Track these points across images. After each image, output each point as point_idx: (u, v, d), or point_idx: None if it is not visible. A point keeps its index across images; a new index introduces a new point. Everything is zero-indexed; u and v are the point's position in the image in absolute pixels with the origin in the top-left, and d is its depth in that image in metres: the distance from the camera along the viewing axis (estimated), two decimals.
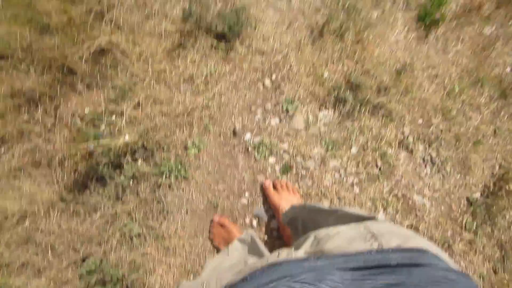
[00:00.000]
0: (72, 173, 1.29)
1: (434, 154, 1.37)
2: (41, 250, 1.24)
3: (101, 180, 1.26)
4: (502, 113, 1.43)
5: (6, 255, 1.23)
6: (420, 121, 1.38)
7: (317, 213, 0.81)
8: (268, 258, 0.46)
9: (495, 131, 1.43)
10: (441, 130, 1.38)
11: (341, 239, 0.47)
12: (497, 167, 1.38)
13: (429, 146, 1.37)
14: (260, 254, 0.95)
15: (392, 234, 0.43)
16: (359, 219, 0.56)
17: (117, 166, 1.24)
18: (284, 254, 0.46)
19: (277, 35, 1.39)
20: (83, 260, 1.24)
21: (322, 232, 0.52)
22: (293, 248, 0.47)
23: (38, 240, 1.23)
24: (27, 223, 1.25)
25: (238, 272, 0.49)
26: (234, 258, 0.87)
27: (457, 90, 1.42)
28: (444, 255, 0.41)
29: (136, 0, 1.37)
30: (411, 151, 1.35)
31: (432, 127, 1.37)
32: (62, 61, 1.27)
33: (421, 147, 1.36)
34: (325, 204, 1.25)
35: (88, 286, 1.21)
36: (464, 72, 1.44)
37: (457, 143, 1.38)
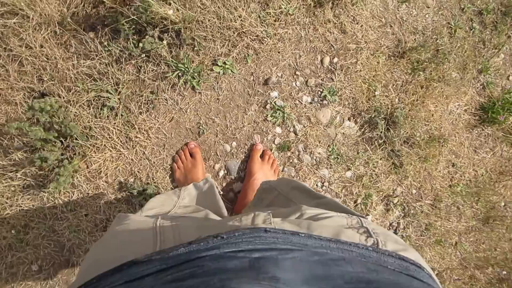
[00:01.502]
0: (91, 7, 1.19)
1: (401, 226, 1.50)
2: (7, 56, 1.15)
3: (114, 33, 1.18)
4: (472, 233, 1.60)
5: None
6: (414, 191, 1.49)
7: (301, 192, 0.80)
8: (242, 218, 0.43)
9: (456, 243, 1.60)
10: (422, 212, 1.51)
11: (331, 223, 0.46)
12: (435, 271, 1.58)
13: (404, 216, 1.50)
14: (215, 208, 0.98)
15: (388, 237, 0.42)
16: (347, 212, 0.53)
17: (140, 32, 1.17)
18: (260, 219, 0.43)
19: (367, 25, 1.37)
20: (42, 94, 1.18)
21: (309, 210, 0.50)
22: (271, 215, 0.44)
23: (11, 45, 1.14)
24: (14, 20, 1.14)
25: (200, 226, 0.47)
26: (185, 203, 0.86)
27: (458, 189, 1.55)
28: (435, 277, 0.40)
29: None
30: (388, 210, 1.47)
31: (418, 204, 1.50)
32: None
33: (397, 213, 1.49)
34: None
35: (29, 119, 1.17)
36: (475, 180, 1.57)
37: (425, 231, 1.52)
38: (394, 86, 1.41)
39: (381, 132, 1.37)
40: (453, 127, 1.50)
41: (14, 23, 1.15)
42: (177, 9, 1.13)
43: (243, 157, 1.28)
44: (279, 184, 0.91)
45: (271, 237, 0.35)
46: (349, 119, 1.37)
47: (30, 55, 1.16)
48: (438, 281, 0.39)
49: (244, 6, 1.22)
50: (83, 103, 1.16)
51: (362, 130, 1.38)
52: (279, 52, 1.29)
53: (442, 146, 1.46)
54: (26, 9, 1.14)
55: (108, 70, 1.17)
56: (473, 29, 1.53)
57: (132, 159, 1.20)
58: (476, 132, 1.56)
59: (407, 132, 1.40)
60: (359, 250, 0.35)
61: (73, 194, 1.19)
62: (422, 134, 1.42)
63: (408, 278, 0.34)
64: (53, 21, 1.18)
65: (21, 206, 1.18)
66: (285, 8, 1.25)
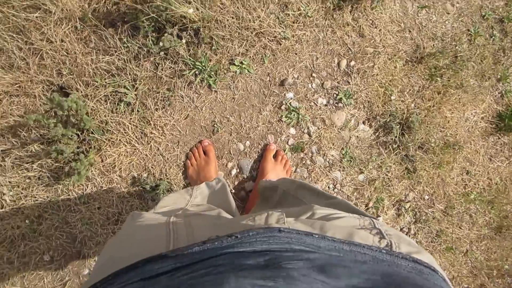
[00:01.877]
0: (111, 4, 1.20)
1: (412, 232, 1.49)
2: (28, 49, 1.17)
3: (133, 30, 1.20)
4: (484, 242, 1.58)
5: None
6: (426, 197, 1.48)
7: (307, 191, 0.79)
8: (255, 218, 0.43)
9: (467, 251, 1.58)
10: (434, 218, 1.50)
11: (344, 224, 0.45)
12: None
13: (415, 222, 1.49)
14: (226, 207, 0.98)
15: (401, 239, 0.41)
16: (358, 213, 0.52)
17: (159, 29, 1.18)
18: (274, 218, 0.42)
19: (385, 30, 1.36)
20: (61, 88, 1.20)
21: (320, 210, 0.50)
22: (284, 215, 0.43)
23: (32, 38, 1.16)
24: (36, 14, 1.16)
25: (213, 225, 0.47)
26: (198, 202, 0.86)
27: (472, 197, 1.53)
28: (449, 281, 0.39)
29: None
30: (399, 215, 1.46)
31: (430, 210, 1.48)
32: None
33: (408, 218, 1.48)
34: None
35: (48, 112, 1.18)
36: (489, 188, 1.56)
37: (436, 237, 1.51)
38: (411, 91, 1.40)
39: (396, 137, 1.36)
40: (469, 135, 1.49)
41: (37, 17, 1.17)
42: (197, 8, 1.13)
43: (256, 157, 1.29)
44: (282, 183, 0.91)
45: (285, 237, 0.35)
46: (363, 122, 1.36)
47: (50, 49, 1.18)
48: (451, 286, 0.39)
49: (263, 7, 1.22)
50: (100, 98, 1.18)
51: (377, 134, 1.37)
52: (296, 54, 1.28)
53: (457, 153, 1.44)
54: (49, 4, 1.16)
55: (126, 66, 1.18)
56: (493, 37, 1.51)
57: (146, 155, 1.21)
58: (492, 140, 1.54)
59: (422, 138, 1.38)
60: (373, 252, 0.35)
61: (87, 187, 1.21)
62: (437, 140, 1.41)
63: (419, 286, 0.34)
64: (74, 16, 1.19)
65: (35, 197, 1.20)
66: (304, 10, 1.25)
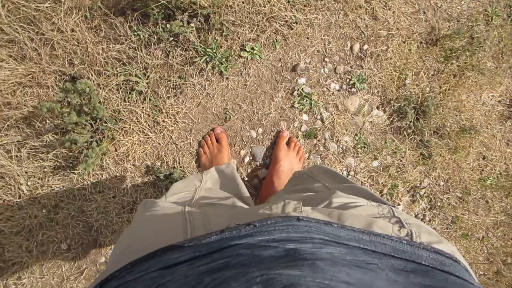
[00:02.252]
0: None
1: (427, 219, 1.47)
2: (40, 40, 1.17)
3: (143, 18, 1.19)
4: (500, 228, 1.56)
5: (1, 11, 1.15)
6: (442, 183, 1.46)
7: (332, 176, 0.78)
8: (272, 206, 0.42)
9: (483, 238, 1.56)
10: (449, 204, 1.47)
11: (362, 212, 0.45)
12: None
13: (430, 209, 1.47)
14: (237, 191, 0.98)
15: (421, 229, 0.40)
16: (377, 201, 0.51)
17: (169, 16, 1.17)
18: (291, 207, 0.41)
19: (399, 12, 1.33)
20: (73, 78, 1.20)
21: (337, 199, 0.49)
22: (301, 204, 0.43)
23: (43, 29, 1.16)
24: (46, 4, 1.16)
25: (229, 215, 0.46)
26: (208, 187, 0.86)
27: (488, 183, 1.50)
28: (471, 271, 0.38)
29: None
30: (414, 202, 1.44)
31: (446, 196, 1.46)
32: None
33: (423, 205, 1.46)
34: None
35: (61, 102, 1.19)
36: (506, 174, 1.52)
37: (451, 224, 1.49)
38: (426, 74, 1.37)
39: (410, 122, 1.33)
40: (485, 119, 1.45)
41: (46, 7, 1.17)
42: None
43: (269, 144, 1.28)
44: (311, 169, 0.90)
45: (304, 226, 0.34)
46: (377, 107, 1.34)
47: (61, 39, 1.18)
48: (475, 275, 0.38)
49: None
50: (112, 87, 1.18)
51: (391, 119, 1.35)
52: (308, 38, 1.26)
53: (473, 137, 1.41)
54: None
55: (137, 54, 1.18)
56: (511, 16, 1.46)
57: (159, 143, 1.21)
58: (510, 124, 1.50)
59: (437, 123, 1.36)
60: (392, 243, 0.34)
61: (102, 176, 1.22)
62: (452, 125, 1.38)
63: (443, 277, 0.32)
64: (84, 5, 1.19)
65: (51, 187, 1.21)
66: None
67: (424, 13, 1.36)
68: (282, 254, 0.30)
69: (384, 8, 1.31)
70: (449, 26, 1.38)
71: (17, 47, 1.19)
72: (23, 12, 1.17)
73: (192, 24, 1.16)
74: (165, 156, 1.21)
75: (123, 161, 1.20)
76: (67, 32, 1.19)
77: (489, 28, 1.43)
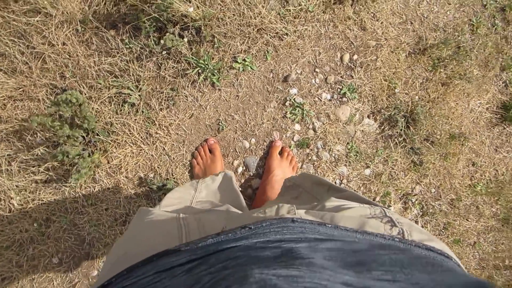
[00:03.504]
0: (111, 5, 1.19)
1: (419, 225, 1.48)
2: (30, 53, 1.17)
3: (135, 31, 1.19)
4: (491, 234, 1.57)
5: None
6: (433, 190, 1.47)
7: (323, 186, 0.78)
8: (266, 210, 0.43)
9: (474, 243, 1.57)
10: (441, 211, 1.48)
11: (354, 214, 0.45)
12: None
13: (422, 215, 1.47)
14: (234, 199, 0.97)
15: (412, 227, 0.40)
16: (369, 203, 0.51)
17: (160, 29, 1.17)
18: (284, 210, 0.42)
19: (386, 22, 1.35)
20: (64, 90, 1.19)
21: (330, 202, 0.49)
22: (294, 206, 0.43)
23: (34, 42, 1.16)
24: (37, 18, 1.15)
25: (223, 219, 0.46)
26: (203, 197, 0.85)
27: (478, 189, 1.52)
28: (463, 267, 0.38)
29: None
30: (406, 209, 1.45)
31: (437, 202, 1.47)
32: None
33: (415, 211, 1.46)
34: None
35: (52, 115, 1.18)
36: (495, 179, 1.54)
37: (443, 230, 1.50)
38: (415, 83, 1.39)
39: (401, 130, 1.35)
40: (474, 126, 1.47)
41: (37, 21, 1.16)
42: (197, 7, 1.13)
43: (262, 154, 1.28)
44: (303, 181, 0.90)
45: (299, 226, 0.34)
46: (368, 116, 1.35)
47: (52, 52, 1.18)
48: (466, 270, 0.38)
49: (264, 3, 1.21)
50: (104, 100, 1.17)
51: (382, 127, 1.36)
52: (298, 49, 1.27)
53: (462, 144, 1.43)
54: (49, 7, 1.16)
55: (129, 67, 1.17)
56: (495, 26, 1.49)
57: (152, 155, 1.21)
58: (497, 130, 1.52)
59: (427, 130, 1.37)
60: (386, 241, 0.35)
61: (94, 189, 1.20)
62: (442, 132, 1.39)
63: (439, 271, 0.33)
64: (75, 19, 1.19)
65: (43, 200, 1.20)
66: (304, 5, 1.24)
67: (411, 23, 1.39)
68: (278, 254, 0.31)
69: (372, 19, 1.33)
70: (436, 36, 1.41)
71: (7, 60, 1.18)
72: (13, 26, 1.16)
73: (185, 38, 1.16)
74: (158, 167, 1.21)
75: (116, 173, 1.19)
76: (58, 45, 1.18)
77: (474, 38, 1.46)
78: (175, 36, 1.14)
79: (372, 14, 1.33)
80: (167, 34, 1.13)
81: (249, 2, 1.19)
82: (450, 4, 1.45)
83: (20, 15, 1.16)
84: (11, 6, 1.16)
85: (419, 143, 1.36)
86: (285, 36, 1.24)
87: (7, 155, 1.16)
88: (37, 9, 1.17)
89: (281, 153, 1.26)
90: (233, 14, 1.18)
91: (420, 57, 1.39)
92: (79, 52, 1.19)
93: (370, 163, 1.35)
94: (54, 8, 1.17)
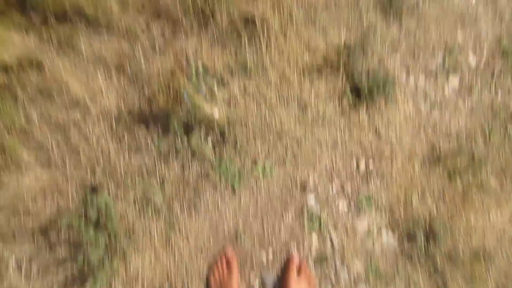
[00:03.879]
0: (145, 104, 1.30)
1: None
2: (66, 146, 1.24)
3: (163, 129, 1.27)
4: None
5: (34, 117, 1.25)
6: None
7: None
8: None
9: None
10: None
11: None
12: None
13: None
14: None
15: None
16: None
17: (188, 131, 1.25)
18: None
19: (400, 128, 1.41)
20: (93, 188, 1.25)
21: None
22: None
23: (72, 136, 1.25)
24: (77, 114, 1.27)
25: None
26: None
27: None
28: None
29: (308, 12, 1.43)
30: None
31: None
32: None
33: None
34: None
35: (79, 212, 1.22)
36: None
37: None
38: (431, 193, 1.39)
39: (421, 244, 1.31)
40: (498, 243, 1.42)
41: (77, 116, 1.26)
42: (223, 112, 1.22)
43: (278, 268, 1.25)
44: None
45: None
46: (386, 228, 1.34)
47: (86, 147, 1.25)
48: None
49: (285, 106, 1.32)
50: (128, 199, 1.21)
51: (401, 242, 1.33)
52: (315, 155, 1.33)
53: (488, 266, 1.36)
54: (88, 102, 1.26)
55: (156, 166, 1.24)
56: (508, 133, 1.50)
57: (169, 263, 1.20)
58: None
59: (449, 246, 1.33)
60: None
61: None
62: (464, 250, 1.34)
63: None
64: (111, 115, 1.29)
65: None
66: (322, 112, 1.34)
67: (424, 131, 1.44)
68: None
69: (386, 126, 1.40)
70: (449, 144, 1.43)
71: (44, 153, 1.25)
72: (54, 119, 1.26)
73: (209, 141, 1.24)
74: (174, 277, 1.19)
75: (131, 283, 1.18)
76: (93, 140, 1.26)
77: (488, 147, 1.47)
78: (201, 139, 1.22)
79: (386, 121, 1.40)
80: (194, 136, 1.21)
81: (270, 104, 1.31)
82: (461, 111, 1.49)
83: (61, 107, 1.26)
84: (54, 99, 1.27)
85: (441, 261, 1.31)
86: (304, 141, 1.32)
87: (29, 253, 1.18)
88: (77, 103, 1.28)
89: (298, 271, 1.23)
90: (256, 120, 1.28)
91: (435, 166, 1.41)
92: (111, 149, 1.26)
93: (391, 282, 1.29)
94: (94, 102, 1.27)
